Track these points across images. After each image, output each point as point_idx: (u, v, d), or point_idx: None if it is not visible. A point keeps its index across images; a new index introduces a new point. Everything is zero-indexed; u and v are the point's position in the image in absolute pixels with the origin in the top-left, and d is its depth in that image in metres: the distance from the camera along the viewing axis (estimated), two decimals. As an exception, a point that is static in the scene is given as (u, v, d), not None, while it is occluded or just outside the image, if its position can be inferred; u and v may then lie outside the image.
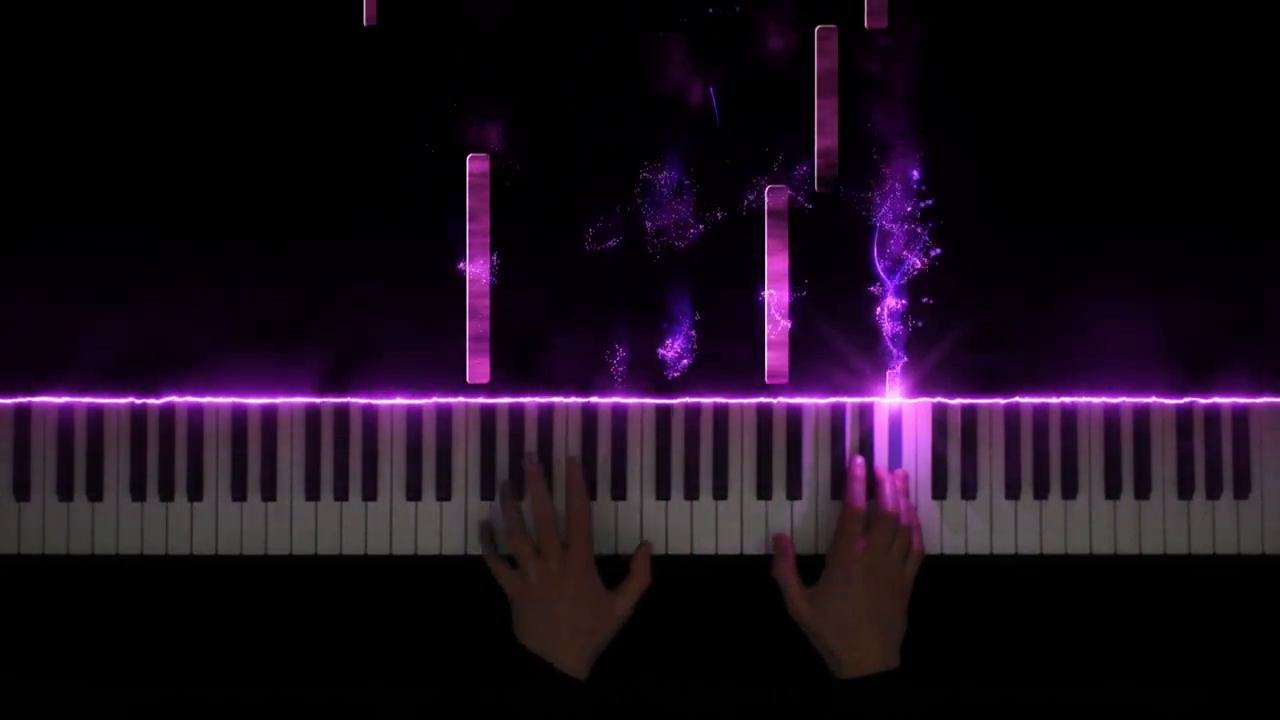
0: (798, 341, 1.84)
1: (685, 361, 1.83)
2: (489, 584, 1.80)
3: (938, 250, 1.84)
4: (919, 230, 1.85)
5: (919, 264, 1.84)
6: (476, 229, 1.84)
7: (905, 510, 1.79)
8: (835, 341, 1.84)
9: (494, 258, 1.84)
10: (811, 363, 1.84)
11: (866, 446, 1.84)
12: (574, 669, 1.74)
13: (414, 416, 1.84)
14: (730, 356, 1.84)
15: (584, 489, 1.79)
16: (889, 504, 1.78)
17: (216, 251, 1.83)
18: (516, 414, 1.84)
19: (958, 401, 1.84)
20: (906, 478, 1.82)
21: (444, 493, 1.84)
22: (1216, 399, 1.83)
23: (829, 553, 1.78)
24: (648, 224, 1.83)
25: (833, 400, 1.84)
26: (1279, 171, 1.84)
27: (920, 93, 1.85)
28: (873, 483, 1.81)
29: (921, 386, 1.84)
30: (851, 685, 1.72)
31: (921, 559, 1.79)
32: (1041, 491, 1.84)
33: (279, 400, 1.83)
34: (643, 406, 1.84)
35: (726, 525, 1.84)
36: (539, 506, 1.78)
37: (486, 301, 1.84)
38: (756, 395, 1.84)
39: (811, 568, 1.80)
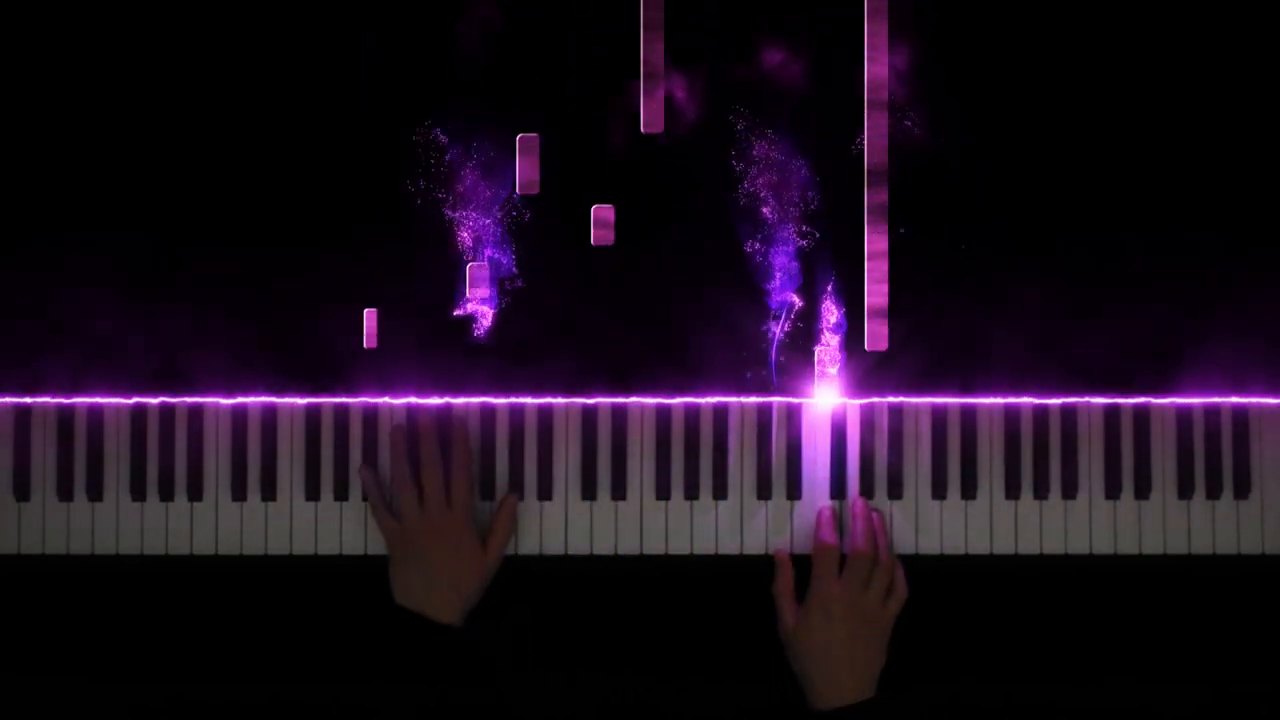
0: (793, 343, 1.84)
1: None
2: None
3: (935, 250, 1.85)
4: (916, 231, 1.85)
5: (916, 263, 1.85)
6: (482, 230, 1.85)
7: (885, 549, 1.79)
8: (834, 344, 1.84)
9: (502, 261, 1.85)
10: (810, 364, 1.85)
11: (866, 446, 1.84)
12: (448, 619, 1.75)
13: (414, 416, 1.84)
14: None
15: (468, 441, 1.81)
16: (860, 540, 1.78)
17: (216, 252, 1.84)
18: (516, 414, 1.84)
19: (958, 401, 1.84)
20: (881, 518, 1.82)
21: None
22: (1216, 399, 1.83)
23: (809, 589, 1.78)
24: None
25: (832, 401, 1.84)
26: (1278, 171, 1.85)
27: (914, 95, 1.85)
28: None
29: (920, 387, 1.84)
30: (824, 717, 1.73)
31: (904, 600, 1.78)
32: (1041, 491, 1.83)
33: (279, 400, 1.84)
34: (643, 406, 1.84)
35: (726, 525, 1.84)
36: (428, 458, 1.79)
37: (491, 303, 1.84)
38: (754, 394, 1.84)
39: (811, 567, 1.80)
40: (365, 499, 1.82)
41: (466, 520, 1.79)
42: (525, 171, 1.84)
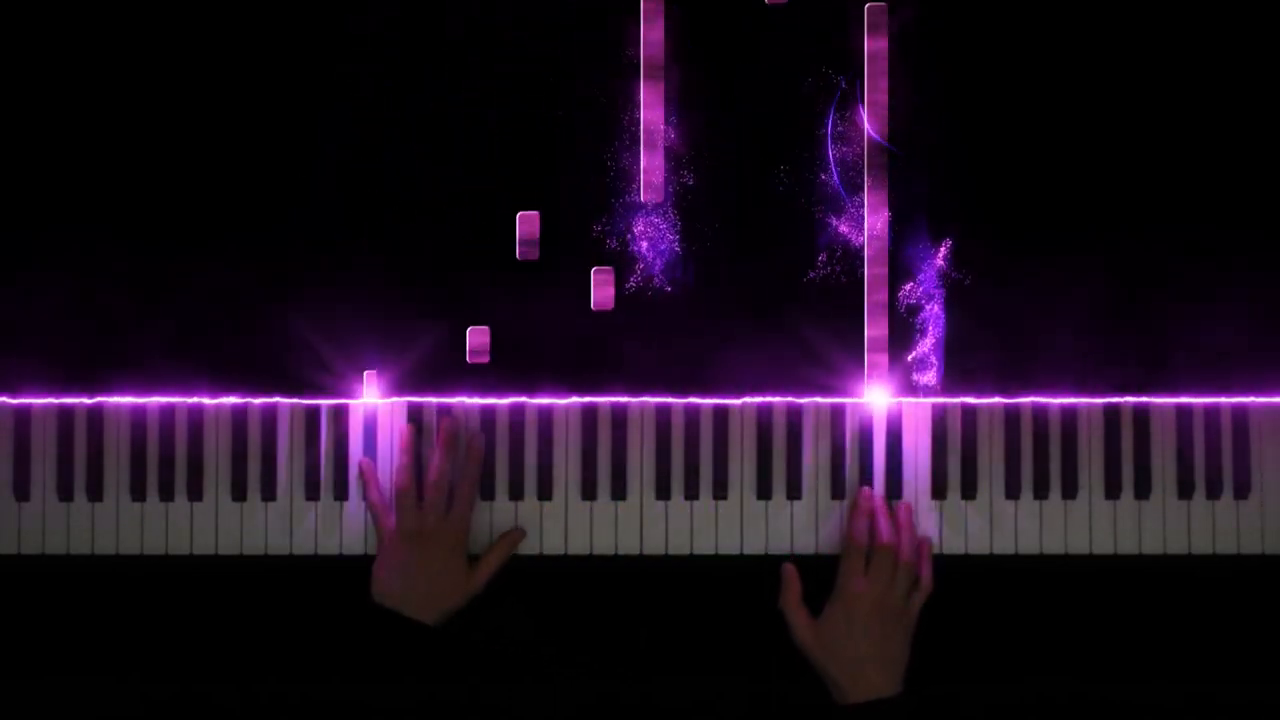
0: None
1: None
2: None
3: (938, 251, 1.85)
4: (920, 233, 1.85)
5: (919, 265, 1.85)
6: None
7: (909, 545, 1.79)
8: (835, 344, 1.85)
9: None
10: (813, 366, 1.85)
11: (865, 447, 1.84)
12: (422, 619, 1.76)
13: (414, 416, 1.84)
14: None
15: (481, 460, 1.81)
16: (886, 536, 1.77)
17: (214, 251, 1.84)
18: (516, 413, 1.84)
19: (958, 401, 1.84)
20: (911, 511, 1.82)
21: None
22: (1216, 399, 1.83)
23: (835, 587, 1.77)
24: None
25: (833, 400, 1.84)
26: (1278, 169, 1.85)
27: (924, 101, 1.85)
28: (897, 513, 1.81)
29: (921, 386, 1.84)
30: (852, 711, 1.73)
31: (929, 594, 1.78)
32: (1041, 491, 1.83)
33: (279, 400, 1.83)
34: (643, 406, 1.84)
35: (726, 525, 1.84)
36: (439, 466, 1.79)
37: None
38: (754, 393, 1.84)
39: (812, 567, 1.80)
40: (364, 495, 1.82)
41: (461, 535, 1.79)
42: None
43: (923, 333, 1.85)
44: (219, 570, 1.84)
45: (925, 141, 1.85)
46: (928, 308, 1.85)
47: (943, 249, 1.85)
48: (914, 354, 1.85)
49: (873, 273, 1.85)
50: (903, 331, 1.85)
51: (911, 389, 1.84)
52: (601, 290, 1.85)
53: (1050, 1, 1.85)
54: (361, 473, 1.82)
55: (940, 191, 1.85)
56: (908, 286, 1.85)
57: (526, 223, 1.85)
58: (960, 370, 1.85)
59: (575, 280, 1.85)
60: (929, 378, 1.85)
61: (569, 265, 1.85)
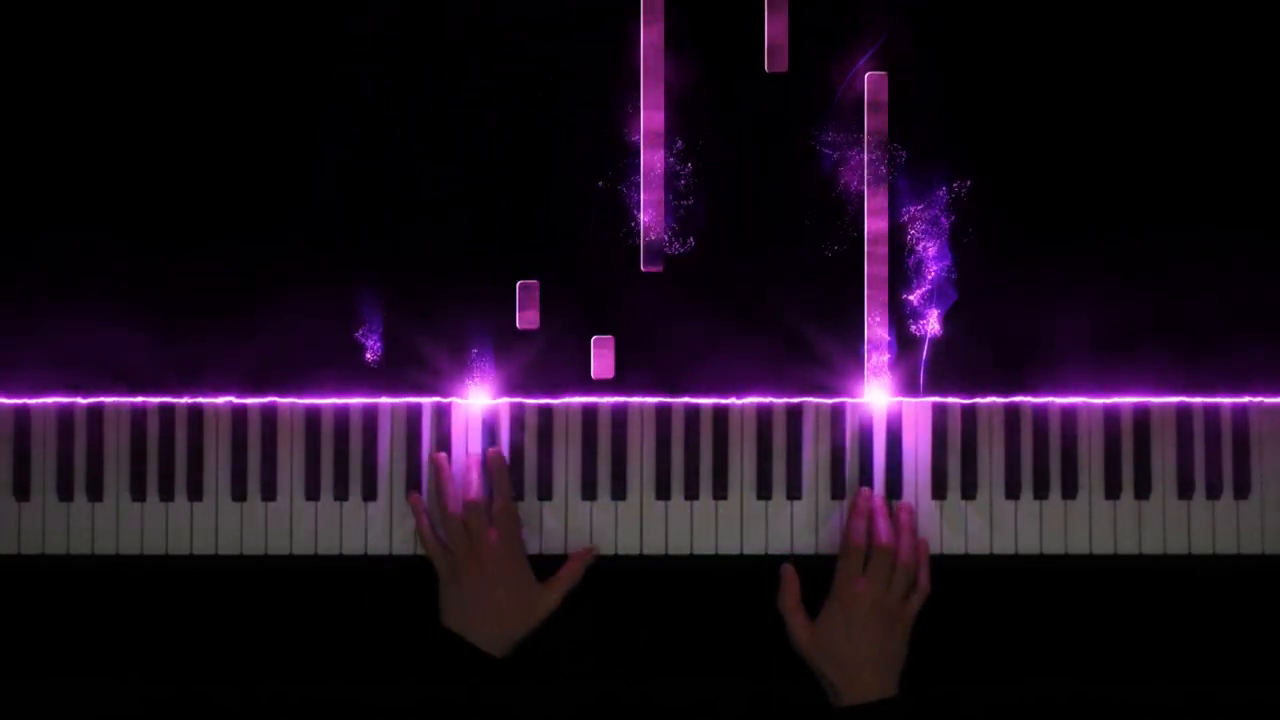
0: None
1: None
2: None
3: (937, 252, 1.85)
4: (920, 235, 1.85)
5: (920, 265, 1.85)
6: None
7: (908, 547, 1.78)
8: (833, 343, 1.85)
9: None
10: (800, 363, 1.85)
11: (865, 447, 1.84)
12: (495, 652, 1.75)
13: (414, 417, 1.84)
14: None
15: (507, 481, 1.81)
16: (884, 537, 1.77)
17: (214, 251, 1.84)
18: (516, 413, 1.84)
19: (957, 401, 1.84)
20: (913, 512, 1.82)
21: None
22: (1216, 399, 1.83)
23: (833, 588, 1.77)
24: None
25: (833, 400, 1.84)
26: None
27: (926, 102, 1.86)
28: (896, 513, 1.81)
29: (921, 386, 1.84)
30: (848, 713, 1.73)
31: (926, 596, 1.78)
32: (1041, 491, 1.83)
33: (279, 400, 1.84)
34: (643, 406, 1.84)
35: (726, 525, 1.84)
36: (472, 496, 1.80)
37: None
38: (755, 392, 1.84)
39: (812, 567, 1.80)
40: (418, 529, 1.82)
41: (515, 553, 1.79)
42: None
43: (918, 332, 1.85)
44: (219, 570, 1.84)
45: (926, 141, 1.85)
46: (929, 309, 1.85)
47: (942, 250, 1.85)
48: (910, 354, 1.85)
49: (873, 272, 1.85)
50: (903, 336, 1.85)
51: (913, 389, 1.84)
52: (602, 360, 1.85)
53: (1051, 2, 1.85)
54: (413, 507, 1.82)
55: (940, 192, 1.85)
56: (910, 282, 1.85)
57: (526, 290, 1.85)
58: (956, 370, 1.85)
59: (574, 290, 1.86)
60: (926, 378, 1.85)
61: (567, 269, 1.85)
